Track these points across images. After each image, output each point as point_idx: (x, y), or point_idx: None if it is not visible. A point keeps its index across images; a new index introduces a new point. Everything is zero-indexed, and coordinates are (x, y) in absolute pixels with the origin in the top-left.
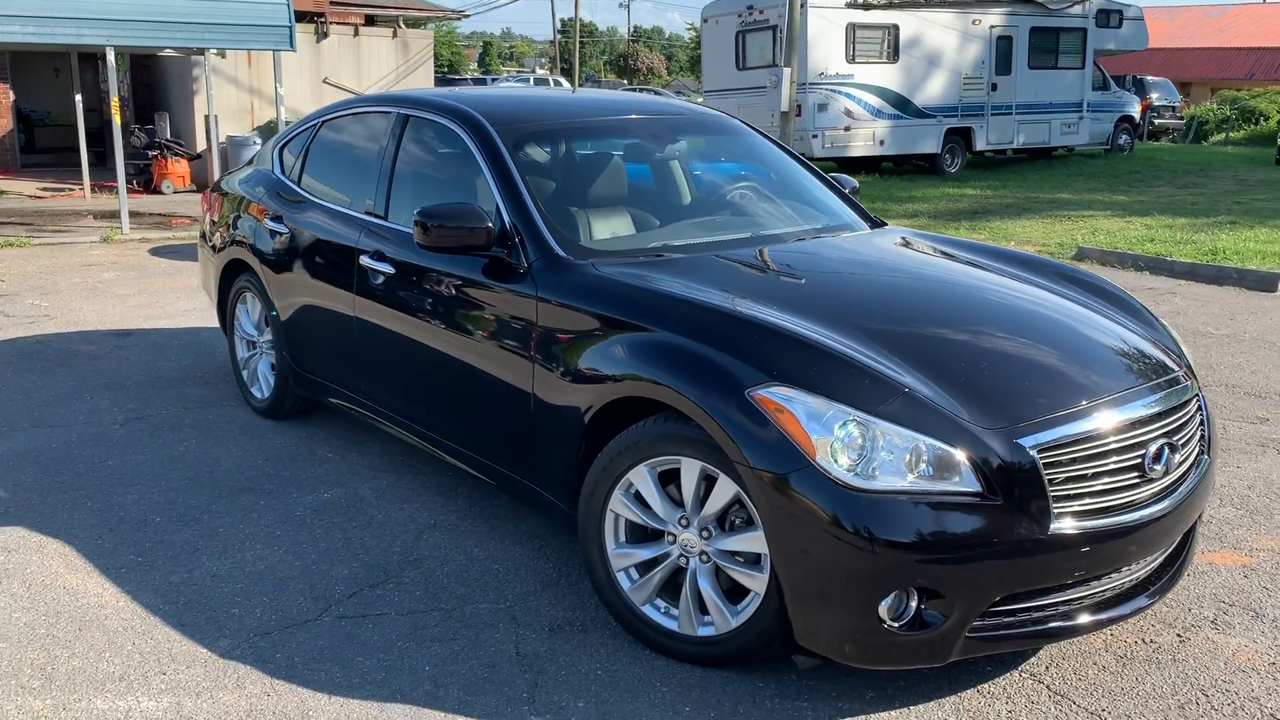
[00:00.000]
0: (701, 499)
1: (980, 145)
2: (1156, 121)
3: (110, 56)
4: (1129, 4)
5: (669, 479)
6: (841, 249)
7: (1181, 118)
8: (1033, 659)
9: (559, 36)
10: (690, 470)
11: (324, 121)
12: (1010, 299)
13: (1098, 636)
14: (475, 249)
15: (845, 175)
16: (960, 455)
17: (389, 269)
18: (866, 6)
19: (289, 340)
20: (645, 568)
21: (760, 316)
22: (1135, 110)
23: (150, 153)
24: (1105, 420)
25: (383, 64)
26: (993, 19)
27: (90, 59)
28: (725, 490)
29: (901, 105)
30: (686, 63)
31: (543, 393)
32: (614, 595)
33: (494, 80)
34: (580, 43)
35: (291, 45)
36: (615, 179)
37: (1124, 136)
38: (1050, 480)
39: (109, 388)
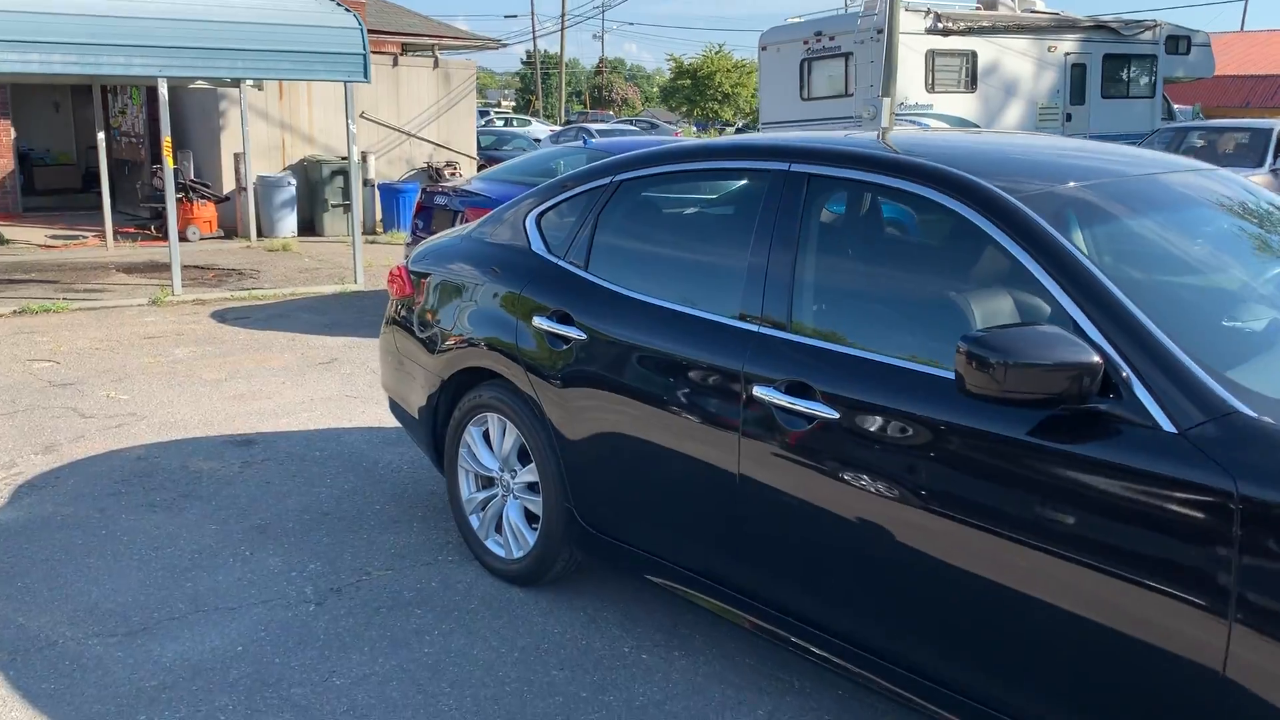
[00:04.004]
0: None
1: None
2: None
3: (163, 89)
4: (1196, 30)
5: None
6: None
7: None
8: None
9: (523, 68)
10: None
11: (623, 181)
12: None
13: None
14: (1067, 399)
15: None
16: None
17: (827, 412)
18: (946, 32)
19: (579, 487)
20: None
21: None
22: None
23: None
24: None
25: (423, 96)
26: (1067, 45)
27: (88, 92)
28: None
29: None
30: (656, 95)
31: (1258, 667)
32: None
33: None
34: (547, 74)
35: (366, 76)
36: (1212, 272)
37: None
38: None
39: (266, 534)
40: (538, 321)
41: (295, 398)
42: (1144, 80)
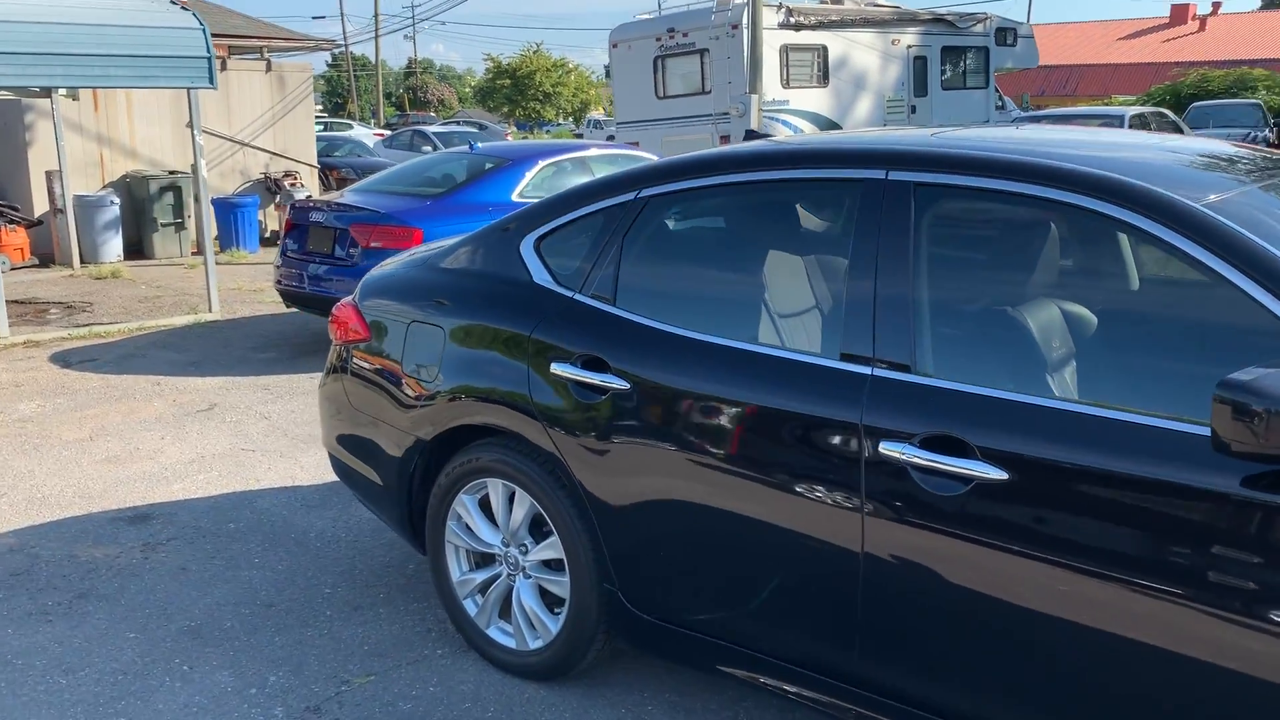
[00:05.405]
0: None
1: None
2: None
3: None
4: (1020, 22)
5: None
6: None
7: None
8: None
9: (329, 70)
10: None
11: (651, 197)
12: None
13: None
14: None
15: None
16: None
17: (993, 472)
18: (798, 27)
19: (627, 565)
20: None
21: None
22: None
23: None
24: None
25: (256, 102)
26: (909, 39)
27: None
28: None
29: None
30: (470, 95)
31: None
32: None
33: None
34: (357, 76)
35: (212, 81)
36: None
37: None
38: None
39: (202, 639)
40: (559, 369)
41: (182, 456)
42: (979, 71)
